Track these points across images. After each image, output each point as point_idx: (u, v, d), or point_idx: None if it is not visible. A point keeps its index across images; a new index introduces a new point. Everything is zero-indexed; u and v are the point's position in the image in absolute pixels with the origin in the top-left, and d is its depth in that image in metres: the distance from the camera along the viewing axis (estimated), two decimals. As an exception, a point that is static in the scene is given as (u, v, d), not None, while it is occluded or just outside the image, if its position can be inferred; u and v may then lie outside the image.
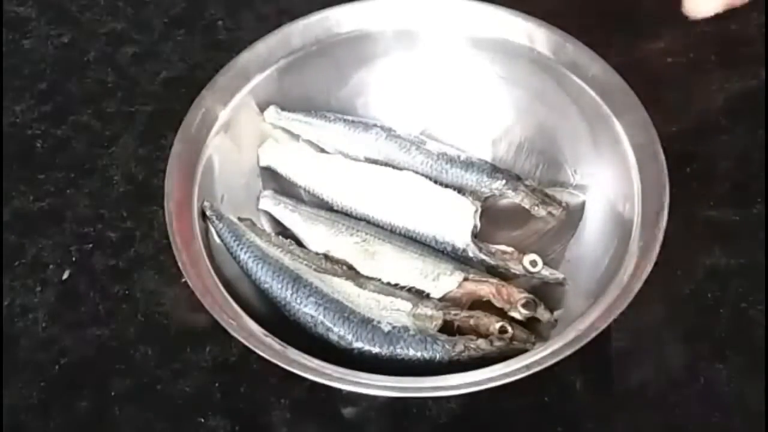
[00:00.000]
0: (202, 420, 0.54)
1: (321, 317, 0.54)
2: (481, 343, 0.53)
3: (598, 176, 0.59)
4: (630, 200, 0.56)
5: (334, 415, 0.54)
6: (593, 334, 0.49)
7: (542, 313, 0.55)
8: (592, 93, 0.59)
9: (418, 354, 0.53)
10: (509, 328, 0.54)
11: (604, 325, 0.50)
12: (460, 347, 0.53)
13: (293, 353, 0.50)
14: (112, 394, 0.55)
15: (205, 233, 0.57)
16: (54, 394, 0.55)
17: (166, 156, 0.58)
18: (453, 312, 0.55)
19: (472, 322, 0.55)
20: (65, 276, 0.59)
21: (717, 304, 0.57)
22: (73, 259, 0.60)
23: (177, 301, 0.58)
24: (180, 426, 0.54)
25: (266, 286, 0.56)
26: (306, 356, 0.50)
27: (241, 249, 0.57)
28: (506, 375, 0.49)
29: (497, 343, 0.53)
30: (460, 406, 0.54)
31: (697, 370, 0.55)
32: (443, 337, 0.54)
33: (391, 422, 0.54)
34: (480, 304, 0.56)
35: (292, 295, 0.55)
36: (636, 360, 0.55)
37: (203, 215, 0.57)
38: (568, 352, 0.49)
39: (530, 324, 0.55)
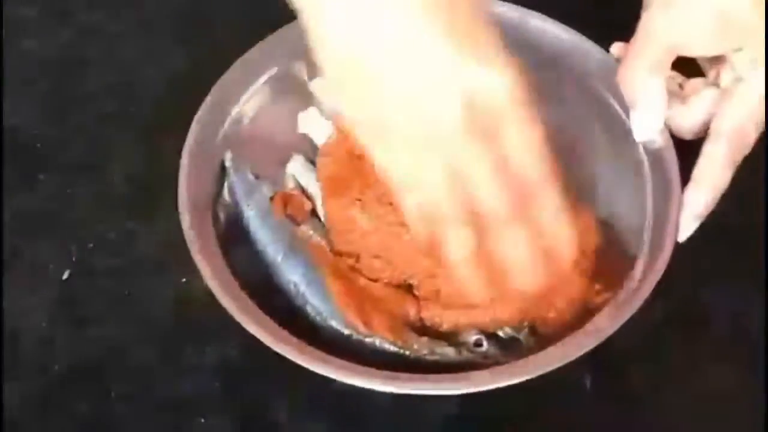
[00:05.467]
0: (202, 420, 0.54)
1: (303, 288, 0.54)
2: (450, 351, 0.52)
3: (604, 177, 0.59)
4: (641, 204, 0.56)
5: (335, 415, 0.54)
6: (603, 337, 0.50)
7: (525, 337, 0.54)
8: (604, 93, 0.61)
9: (386, 346, 0.52)
10: (485, 344, 0.53)
11: (614, 329, 0.50)
12: (424, 350, 0.52)
13: (310, 349, 0.50)
14: (112, 394, 0.55)
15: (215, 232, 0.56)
16: (54, 394, 0.55)
17: (167, 155, 0.58)
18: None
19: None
20: (65, 276, 0.59)
21: (718, 305, 0.57)
22: (73, 259, 0.60)
23: (177, 300, 0.57)
24: (180, 426, 0.54)
25: (261, 248, 0.56)
26: (323, 353, 0.49)
27: (248, 206, 0.57)
28: (512, 375, 0.49)
29: (465, 354, 0.52)
30: (461, 407, 0.53)
31: (699, 370, 0.55)
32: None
33: (394, 421, 0.53)
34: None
35: (282, 259, 0.55)
36: (639, 360, 0.55)
37: (222, 168, 0.57)
38: (577, 354, 0.49)
39: (511, 342, 0.54)
